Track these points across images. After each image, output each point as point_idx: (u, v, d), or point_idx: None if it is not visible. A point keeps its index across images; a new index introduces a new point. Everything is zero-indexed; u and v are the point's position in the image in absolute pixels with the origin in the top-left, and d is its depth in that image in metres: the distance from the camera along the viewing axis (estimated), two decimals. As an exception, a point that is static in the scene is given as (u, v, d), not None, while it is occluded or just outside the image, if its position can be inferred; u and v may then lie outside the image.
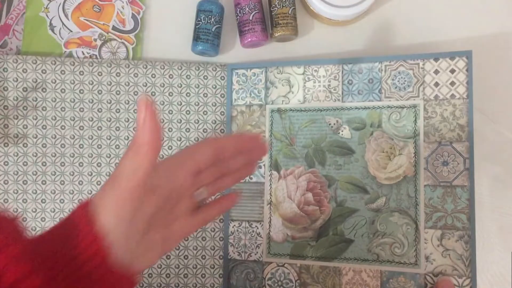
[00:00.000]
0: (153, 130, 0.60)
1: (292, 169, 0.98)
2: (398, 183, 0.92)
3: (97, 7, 1.06)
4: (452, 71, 0.90)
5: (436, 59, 0.91)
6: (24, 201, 1.01)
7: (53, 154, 1.02)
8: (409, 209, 0.91)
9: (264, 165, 0.99)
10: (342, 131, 0.95)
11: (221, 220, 1.01)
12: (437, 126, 0.90)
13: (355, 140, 0.95)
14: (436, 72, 0.91)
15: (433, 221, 0.90)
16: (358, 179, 0.94)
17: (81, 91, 1.02)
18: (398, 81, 0.93)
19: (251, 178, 0.99)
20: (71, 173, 1.02)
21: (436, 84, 0.91)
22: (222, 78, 1.03)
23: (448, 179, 0.90)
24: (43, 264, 0.52)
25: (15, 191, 1.01)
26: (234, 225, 1.00)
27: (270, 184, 0.98)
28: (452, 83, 0.90)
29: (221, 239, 1.01)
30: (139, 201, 0.61)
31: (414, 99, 0.92)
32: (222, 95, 1.02)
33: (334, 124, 0.96)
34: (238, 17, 1.02)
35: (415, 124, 0.92)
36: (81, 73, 1.02)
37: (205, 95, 1.02)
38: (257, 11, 1.01)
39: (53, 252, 0.55)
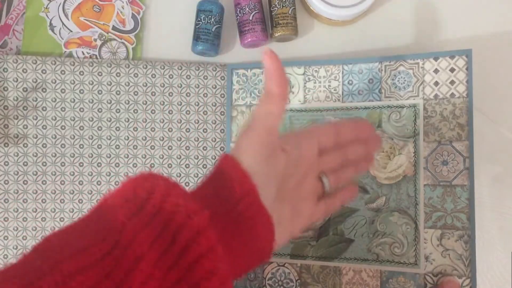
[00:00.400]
0: (279, 80, 0.65)
1: (293, 169, 0.97)
2: (398, 183, 0.92)
3: (97, 7, 1.06)
4: (452, 70, 0.90)
5: (435, 58, 0.91)
6: (25, 201, 1.01)
7: (53, 154, 1.02)
8: (408, 208, 0.91)
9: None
10: (342, 131, 0.95)
11: (221, 220, 1.01)
12: (437, 126, 0.90)
13: None
14: (436, 71, 0.91)
15: (432, 221, 0.90)
16: (358, 179, 0.94)
17: (81, 91, 1.02)
18: (398, 80, 0.93)
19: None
20: (71, 173, 1.02)
21: (436, 83, 0.91)
22: (222, 78, 1.03)
23: (448, 179, 0.89)
24: (206, 204, 0.54)
25: (16, 191, 1.01)
26: (234, 225, 1.00)
27: (270, 184, 0.98)
28: (452, 82, 0.90)
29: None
30: (272, 148, 0.65)
31: (414, 99, 0.92)
32: (222, 95, 1.03)
33: (335, 124, 0.95)
34: (238, 17, 1.02)
35: (414, 123, 0.91)
36: (81, 73, 1.02)
37: (205, 95, 1.03)
38: (257, 11, 1.01)
39: (211, 195, 0.58)
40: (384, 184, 0.93)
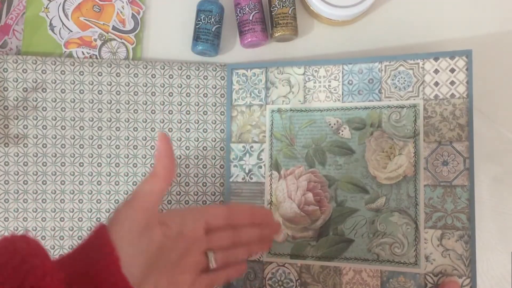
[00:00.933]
0: (166, 163, 0.70)
1: (293, 169, 0.98)
2: (398, 183, 0.92)
3: (97, 7, 1.06)
4: (452, 70, 0.90)
5: (436, 59, 0.91)
6: (25, 201, 1.01)
7: (54, 154, 1.02)
8: (409, 209, 0.91)
9: (264, 165, 0.99)
10: (342, 131, 0.95)
11: (221, 220, 1.01)
12: (437, 126, 0.90)
13: (355, 140, 0.95)
14: (436, 71, 0.91)
15: (433, 221, 0.89)
16: (358, 179, 0.94)
17: (81, 91, 1.02)
18: (398, 81, 0.93)
19: (251, 178, 1.00)
20: (72, 173, 1.02)
21: (436, 84, 0.91)
22: (222, 78, 1.03)
23: (448, 179, 0.89)
24: (68, 267, 0.58)
25: (16, 191, 1.01)
26: (234, 225, 1.00)
27: (271, 184, 0.98)
28: (452, 83, 0.90)
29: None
30: (147, 224, 0.68)
31: (414, 99, 0.92)
32: (222, 95, 1.03)
33: (334, 124, 0.96)
34: (238, 17, 1.02)
35: (415, 124, 0.91)
36: (81, 73, 1.02)
37: (205, 95, 1.03)
38: (257, 11, 1.01)
39: (77, 260, 0.62)
40: (384, 184, 0.93)
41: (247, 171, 1.00)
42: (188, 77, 1.03)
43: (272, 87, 0.99)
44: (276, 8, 1.00)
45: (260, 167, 0.99)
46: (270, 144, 0.99)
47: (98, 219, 1.01)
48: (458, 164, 0.89)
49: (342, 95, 0.96)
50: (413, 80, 0.92)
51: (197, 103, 1.03)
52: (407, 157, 0.91)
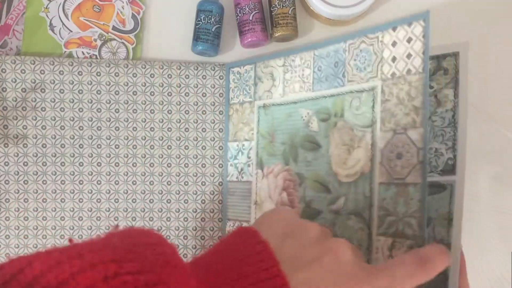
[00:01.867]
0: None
1: (272, 167, 0.95)
2: (356, 181, 0.81)
3: (97, 7, 1.07)
4: (409, 40, 0.79)
5: (394, 28, 0.81)
6: (26, 200, 1.03)
7: (53, 154, 1.03)
8: (364, 211, 0.80)
9: (252, 163, 0.98)
10: (311, 123, 0.89)
11: (220, 220, 1.02)
12: (393, 111, 0.79)
13: (321, 133, 0.87)
14: (394, 43, 0.81)
15: (384, 227, 0.77)
16: (323, 177, 0.86)
17: (80, 91, 1.03)
18: (359, 60, 0.85)
19: (242, 177, 1.00)
20: (72, 173, 1.03)
21: (394, 59, 0.80)
22: (221, 77, 1.03)
23: (401, 176, 0.76)
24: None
25: (16, 191, 1.03)
26: (230, 224, 0.99)
27: (256, 183, 0.97)
28: (409, 55, 0.79)
29: (220, 238, 1.01)
30: None
31: (373, 80, 0.82)
32: (221, 95, 1.03)
33: (305, 116, 0.90)
34: (238, 17, 1.02)
35: (373, 110, 0.81)
36: (80, 73, 1.03)
37: (204, 94, 1.03)
38: (257, 11, 1.01)
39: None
40: (344, 182, 0.83)
41: (239, 170, 1.00)
42: (187, 76, 1.03)
43: (259, 82, 0.99)
44: (276, 8, 1.00)
45: (249, 165, 0.99)
46: (257, 141, 0.98)
47: (98, 218, 1.02)
48: (412, 157, 0.75)
49: (313, 84, 0.90)
50: (373, 58, 0.83)
51: (196, 103, 1.03)
52: (364, 149, 0.81)
